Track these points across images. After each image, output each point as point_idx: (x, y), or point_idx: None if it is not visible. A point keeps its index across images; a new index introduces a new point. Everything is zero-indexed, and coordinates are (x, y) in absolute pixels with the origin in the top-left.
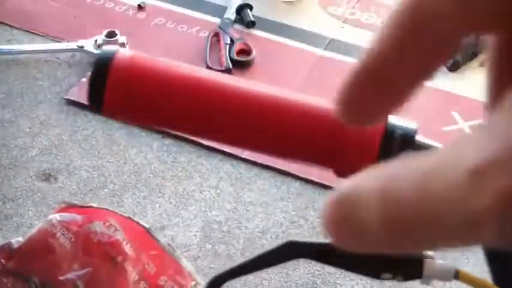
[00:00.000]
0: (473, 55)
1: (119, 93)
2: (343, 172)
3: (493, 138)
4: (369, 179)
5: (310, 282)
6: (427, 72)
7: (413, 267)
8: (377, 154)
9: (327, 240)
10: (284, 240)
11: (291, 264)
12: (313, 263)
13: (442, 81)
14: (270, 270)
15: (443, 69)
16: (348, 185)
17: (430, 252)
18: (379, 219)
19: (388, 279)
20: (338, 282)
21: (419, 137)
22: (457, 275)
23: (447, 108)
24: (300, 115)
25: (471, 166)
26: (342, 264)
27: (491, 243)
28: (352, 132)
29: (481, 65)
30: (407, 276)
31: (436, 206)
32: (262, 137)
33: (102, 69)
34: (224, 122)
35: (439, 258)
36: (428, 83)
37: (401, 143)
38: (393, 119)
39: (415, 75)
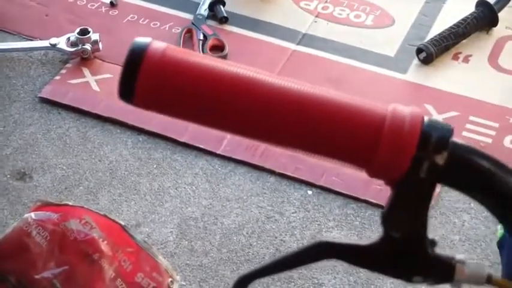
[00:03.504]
0: (446, 48)
1: (150, 85)
2: (376, 172)
3: None
4: None
5: (287, 277)
6: None
7: (444, 272)
8: (412, 155)
9: (358, 242)
10: (315, 240)
11: (266, 260)
12: None
13: (415, 74)
14: (246, 265)
15: (417, 61)
16: None
17: (461, 257)
18: None
19: (419, 282)
20: (315, 276)
21: (454, 139)
22: (489, 280)
23: (420, 101)
24: (337, 114)
25: None
26: (374, 266)
27: None
28: (388, 133)
29: (454, 58)
30: (438, 280)
31: None
32: (298, 135)
33: (134, 60)
34: (259, 119)
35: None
36: (401, 76)
37: (437, 144)
38: (429, 121)
39: None
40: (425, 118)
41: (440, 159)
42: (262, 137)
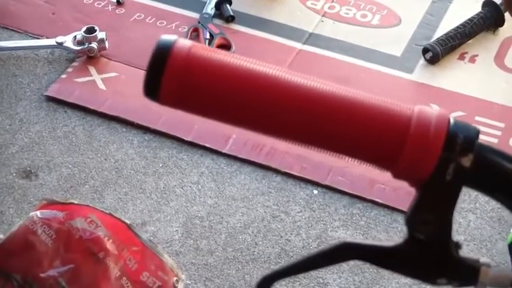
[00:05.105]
0: (452, 48)
1: (176, 83)
2: (401, 174)
3: None
4: None
5: (293, 277)
6: None
7: (469, 274)
8: (438, 157)
9: (382, 243)
10: (338, 241)
11: (272, 259)
12: (294, 257)
13: (421, 74)
14: (251, 264)
15: (423, 61)
16: None
17: (486, 260)
18: None
19: (443, 284)
20: (320, 276)
21: (480, 141)
22: None
23: (426, 101)
24: (363, 114)
25: None
26: (398, 268)
27: None
28: (414, 133)
29: (460, 58)
30: (463, 282)
31: None
32: (324, 134)
33: (160, 58)
34: (285, 118)
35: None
36: (408, 75)
37: (463, 146)
38: (455, 122)
39: None
40: (452, 120)
41: (467, 161)
42: (288, 135)
